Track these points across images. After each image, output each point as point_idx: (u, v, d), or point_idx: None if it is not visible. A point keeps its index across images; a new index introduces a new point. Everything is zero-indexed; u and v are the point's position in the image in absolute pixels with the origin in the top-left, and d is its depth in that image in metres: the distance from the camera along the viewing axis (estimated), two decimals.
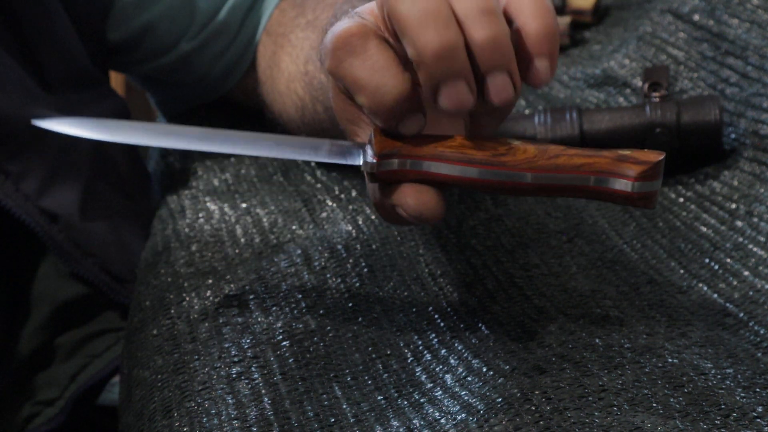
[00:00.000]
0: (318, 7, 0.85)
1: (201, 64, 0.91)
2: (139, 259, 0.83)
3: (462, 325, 0.68)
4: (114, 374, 0.86)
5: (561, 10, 1.07)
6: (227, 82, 0.92)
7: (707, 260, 0.76)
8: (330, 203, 0.83)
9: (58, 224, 0.81)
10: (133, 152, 0.91)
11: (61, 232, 0.81)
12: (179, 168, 0.92)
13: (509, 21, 0.59)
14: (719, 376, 0.62)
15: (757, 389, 0.61)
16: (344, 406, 0.62)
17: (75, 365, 0.83)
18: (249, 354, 0.67)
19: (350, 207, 0.82)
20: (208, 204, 0.85)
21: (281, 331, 0.69)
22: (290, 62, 0.85)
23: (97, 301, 0.84)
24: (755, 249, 0.75)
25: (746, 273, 0.74)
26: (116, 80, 1.94)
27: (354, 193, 0.83)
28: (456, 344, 0.66)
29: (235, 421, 0.62)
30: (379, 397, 0.63)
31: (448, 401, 0.61)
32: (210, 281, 0.75)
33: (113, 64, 0.92)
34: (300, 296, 0.72)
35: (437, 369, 0.65)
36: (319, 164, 0.88)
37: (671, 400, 0.59)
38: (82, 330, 0.84)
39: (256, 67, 0.90)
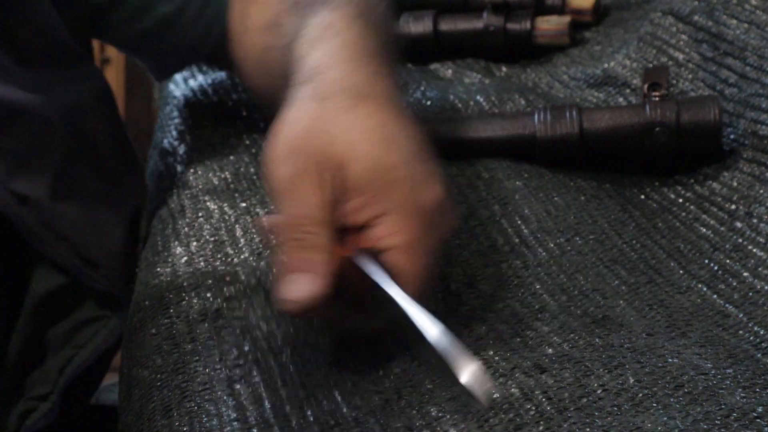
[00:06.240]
0: None
1: (179, 28, 0.92)
2: (115, 244, 0.82)
3: (462, 325, 0.68)
4: (101, 365, 0.85)
5: (561, 10, 1.07)
6: (205, 46, 0.93)
7: (707, 261, 0.76)
8: None
9: (28, 206, 0.79)
10: (119, 135, 0.90)
11: (31, 215, 0.79)
12: (179, 167, 0.92)
13: None
14: (719, 377, 0.62)
15: (757, 389, 0.61)
16: (344, 410, 0.62)
17: (63, 358, 0.83)
18: (250, 358, 0.67)
19: None
20: (208, 203, 0.84)
21: (281, 338, 0.69)
22: (258, 17, 0.85)
23: (75, 292, 0.83)
24: (755, 250, 0.75)
25: (746, 274, 0.74)
26: (117, 81, 1.94)
27: None
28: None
29: (235, 422, 0.62)
30: (379, 400, 0.63)
31: (447, 400, 0.61)
32: (209, 282, 0.75)
33: (95, 31, 0.92)
34: None
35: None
36: None
37: (671, 400, 0.59)
38: (67, 322, 0.83)
39: (230, 28, 0.90)
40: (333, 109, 0.67)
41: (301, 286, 0.62)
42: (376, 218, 0.64)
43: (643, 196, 0.84)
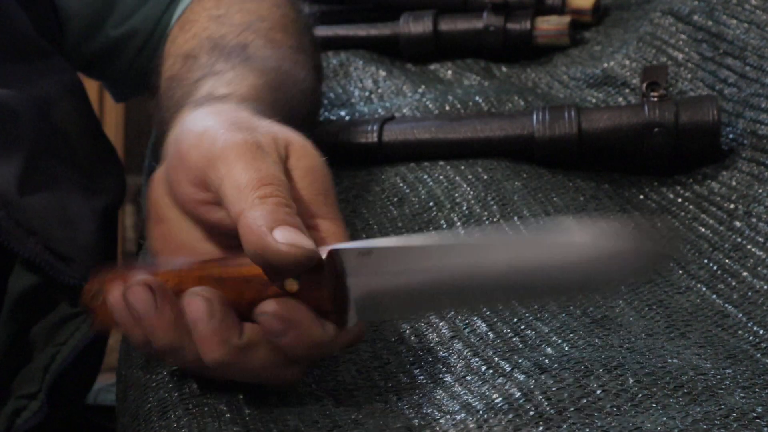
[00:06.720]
0: (233, 7, 0.86)
1: (126, 55, 0.94)
2: (87, 237, 0.81)
3: (461, 325, 0.68)
4: (88, 362, 0.84)
5: (561, 10, 1.07)
6: (149, 76, 0.93)
7: (706, 261, 0.76)
8: None
9: None
10: (92, 128, 0.89)
11: (0, 210, 0.78)
12: None
13: None
14: (718, 377, 0.62)
15: (757, 389, 0.60)
16: (343, 415, 0.62)
17: (47, 356, 0.82)
18: None
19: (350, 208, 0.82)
20: None
21: None
22: (182, 44, 0.85)
23: (50, 290, 0.82)
24: (754, 249, 0.75)
25: (745, 273, 0.74)
26: None
27: (353, 193, 0.83)
28: (455, 344, 0.66)
29: (234, 426, 0.62)
30: (378, 403, 0.63)
31: (447, 401, 0.61)
32: None
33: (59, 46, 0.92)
34: None
35: (436, 368, 0.65)
36: None
37: (671, 400, 0.59)
38: (48, 320, 0.82)
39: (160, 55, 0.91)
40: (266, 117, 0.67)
41: (297, 235, 0.58)
42: (310, 220, 0.63)
43: (642, 197, 0.84)
